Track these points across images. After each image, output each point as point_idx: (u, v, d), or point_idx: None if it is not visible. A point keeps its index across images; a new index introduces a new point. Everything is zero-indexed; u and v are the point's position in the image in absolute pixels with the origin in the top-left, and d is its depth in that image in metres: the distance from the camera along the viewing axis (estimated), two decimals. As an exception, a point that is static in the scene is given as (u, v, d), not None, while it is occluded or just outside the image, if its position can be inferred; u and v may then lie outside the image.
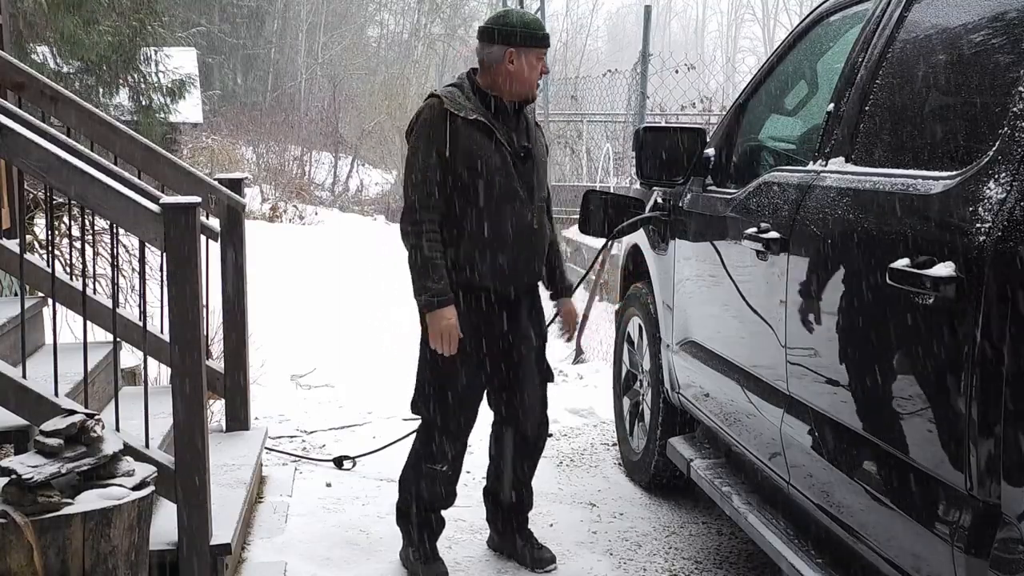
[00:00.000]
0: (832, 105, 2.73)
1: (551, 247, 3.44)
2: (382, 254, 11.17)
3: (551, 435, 4.92)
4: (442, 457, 3.29)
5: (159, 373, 4.53)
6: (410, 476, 3.37)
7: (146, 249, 3.17)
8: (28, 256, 3.85)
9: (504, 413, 3.42)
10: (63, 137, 3.54)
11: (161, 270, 3.05)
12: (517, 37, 3.18)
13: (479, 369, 3.26)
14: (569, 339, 3.70)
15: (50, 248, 4.28)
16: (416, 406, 3.31)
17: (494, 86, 3.20)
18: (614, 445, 4.81)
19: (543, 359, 3.43)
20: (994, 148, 1.96)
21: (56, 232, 5.12)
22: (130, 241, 4.89)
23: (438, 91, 3.23)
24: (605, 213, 3.97)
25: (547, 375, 3.45)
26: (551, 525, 3.81)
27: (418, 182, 3.11)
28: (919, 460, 2.09)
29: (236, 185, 4.14)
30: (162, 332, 3.78)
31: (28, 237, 4.99)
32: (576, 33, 44.96)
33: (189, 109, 18.22)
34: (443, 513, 3.43)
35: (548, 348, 3.50)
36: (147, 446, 2.99)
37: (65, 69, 12.81)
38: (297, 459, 4.55)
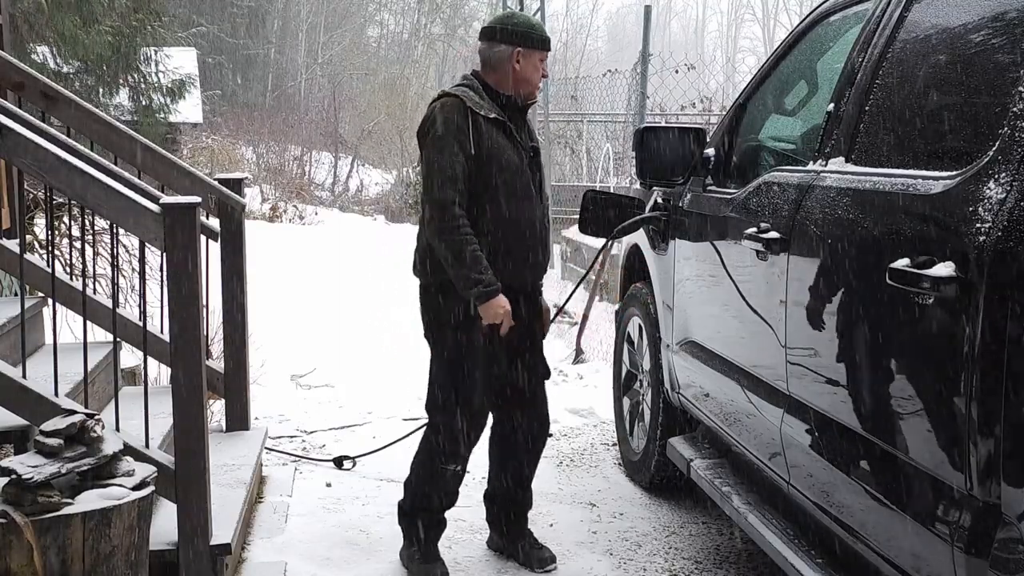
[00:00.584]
0: (832, 105, 2.73)
1: None
2: (382, 254, 11.18)
3: (551, 435, 4.94)
4: (456, 457, 3.30)
5: (159, 373, 4.52)
6: (418, 477, 3.36)
7: (146, 249, 3.17)
8: (28, 256, 3.85)
9: (507, 411, 3.42)
10: (63, 137, 3.54)
11: (161, 270, 3.05)
12: (524, 38, 3.22)
13: (494, 367, 3.28)
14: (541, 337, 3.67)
15: (50, 248, 4.28)
16: (431, 407, 3.30)
17: (501, 85, 3.22)
18: (614, 445, 4.81)
19: (541, 356, 3.45)
20: (994, 148, 1.96)
21: (56, 232, 5.12)
22: (130, 241, 4.89)
23: (452, 90, 3.21)
24: (605, 213, 3.98)
25: (546, 372, 3.48)
26: (551, 525, 3.81)
27: (448, 179, 3.08)
28: (919, 460, 2.09)
29: (236, 185, 4.14)
30: (162, 332, 3.78)
31: (28, 237, 4.99)
32: (576, 33, 44.97)
33: (189, 109, 18.24)
34: (445, 513, 3.43)
35: (547, 347, 3.51)
36: (147, 446, 2.99)
37: (65, 69, 12.82)
38: (297, 459, 4.55)
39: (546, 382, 3.48)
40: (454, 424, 3.24)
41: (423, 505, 3.35)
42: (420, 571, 3.31)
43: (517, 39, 3.21)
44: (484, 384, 3.24)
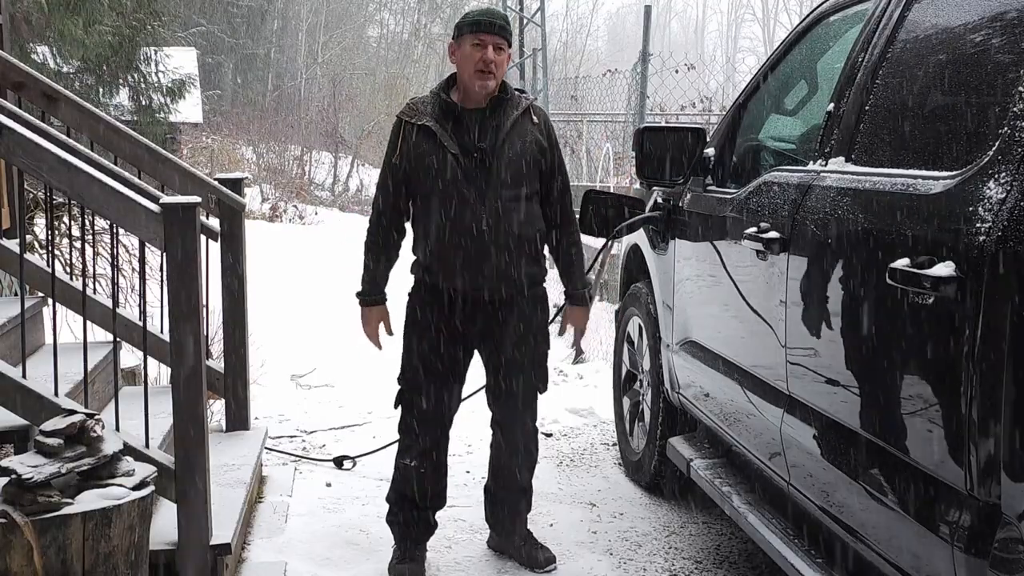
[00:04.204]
0: (832, 105, 2.73)
1: (559, 248, 3.37)
2: (382, 254, 11.15)
3: (550, 435, 4.94)
4: (408, 452, 3.33)
5: (159, 373, 4.53)
6: (393, 471, 3.43)
7: (146, 249, 3.17)
8: (28, 256, 3.85)
9: (498, 418, 3.43)
10: (63, 137, 3.54)
11: (161, 270, 3.05)
12: (455, 29, 3.20)
13: (440, 367, 3.25)
14: (574, 345, 3.63)
15: (50, 248, 4.28)
16: (395, 402, 3.38)
17: (457, 86, 3.21)
18: (614, 445, 4.81)
19: (533, 367, 3.34)
20: (994, 148, 1.96)
21: (56, 232, 5.12)
22: (130, 241, 4.89)
23: (410, 100, 3.31)
24: (605, 213, 3.97)
25: (533, 383, 3.36)
26: (551, 525, 3.81)
27: (378, 185, 3.31)
28: (919, 460, 2.09)
29: (236, 185, 4.14)
30: (162, 332, 3.78)
31: (28, 237, 4.99)
32: (576, 33, 45.02)
33: (189, 109, 18.24)
34: (438, 516, 3.44)
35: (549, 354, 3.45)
36: (147, 446, 2.99)
37: (65, 69, 12.81)
38: (297, 459, 4.56)
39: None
40: (401, 418, 3.35)
41: (389, 498, 3.42)
42: (392, 570, 3.34)
43: (453, 33, 3.21)
44: (424, 381, 3.25)
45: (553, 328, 3.76)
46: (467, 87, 3.15)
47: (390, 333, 3.37)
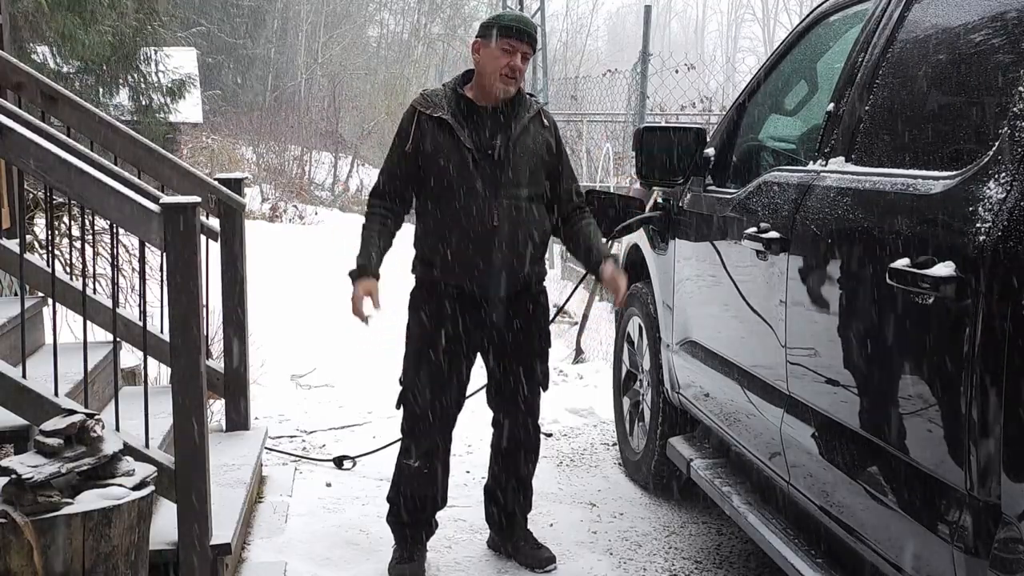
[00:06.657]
0: (832, 105, 2.73)
1: (575, 230, 3.35)
2: (382, 254, 11.15)
3: (550, 435, 4.94)
4: (411, 453, 3.32)
5: (159, 373, 4.52)
6: (394, 472, 3.41)
7: (146, 249, 3.17)
8: (28, 256, 3.85)
9: (499, 417, 3.43)
10: (63, 137, 3.54)
11: (161, 270, 3.05)
12: (483, 28, 3.19)
13: (444, 367, 3.24)
14: (618, 302, 3.45)
15: (50, 248, 4.28)
16: (397, 401, 3.36)
17: (474, 83, 3.21)
18: (614, 445, 4.81)
19: (534, 366, 3.35)
20: (994, 148, 1.96)
21: (56, 232, 5.12)
22: (130, 241, 4.89)
23: (423, 90, 3.31)
24: (605, 213, 3.97)
25: (535, 382, 3.37)
26: (551, 525, 3.81)
27: (381, 171, 3.30)
28: (919, 460, 2.09)
29: (236, 185, 4.14)
30: (162, 332, 3.77)
31: (28, 237, 4.99)
32: (576, 33, 45.03)
33: (189, 109, 18.25)
34: (438, 516, 3.44)
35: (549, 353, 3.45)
36: (147, 446, 2.99)
37: (65, 69, 12.81)
38: (297, 459, 4.56)
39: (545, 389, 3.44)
40: (404, 418, 3.33)
41: (390, 498, 3.41)
42: (392, 570, 3.34)
43: (479, 32, 3.21)
44: (428, 381, 3.23)
45: (557, 328, 3.75)
46: (487, 87, 3.17)
47: (377, 306, 3.20)
